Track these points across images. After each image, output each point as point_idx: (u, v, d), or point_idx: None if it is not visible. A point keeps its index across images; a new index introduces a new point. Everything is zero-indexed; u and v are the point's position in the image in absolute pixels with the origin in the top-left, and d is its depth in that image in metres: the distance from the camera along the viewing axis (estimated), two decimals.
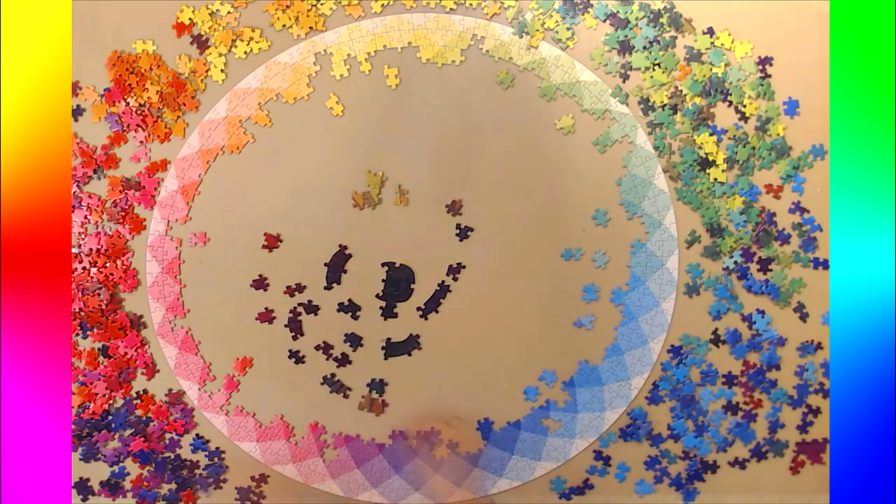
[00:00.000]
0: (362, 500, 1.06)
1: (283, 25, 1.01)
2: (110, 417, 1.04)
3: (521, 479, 1.06)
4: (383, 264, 1.03)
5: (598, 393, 1.05)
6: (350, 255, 1.02)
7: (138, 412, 1.04)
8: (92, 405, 1.03)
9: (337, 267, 1.02)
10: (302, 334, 1.04)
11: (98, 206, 1.02)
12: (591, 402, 1.05)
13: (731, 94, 1.02)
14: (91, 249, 1.01)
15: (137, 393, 1.04)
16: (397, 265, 1.03)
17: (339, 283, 1.03)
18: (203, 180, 1.02)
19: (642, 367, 1.04)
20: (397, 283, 1.03)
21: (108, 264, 1.02)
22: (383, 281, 1.03)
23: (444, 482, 1.04)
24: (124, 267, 1.02)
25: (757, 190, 1.03)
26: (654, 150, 1.02)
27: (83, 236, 1.02)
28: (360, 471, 1.06)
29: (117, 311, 1.02)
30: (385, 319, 1.04)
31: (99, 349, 1.03)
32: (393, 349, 1.04)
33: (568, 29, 1.01)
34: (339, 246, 1.03)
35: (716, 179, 1.02)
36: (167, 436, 1.04)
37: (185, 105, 1.01)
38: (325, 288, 1.03)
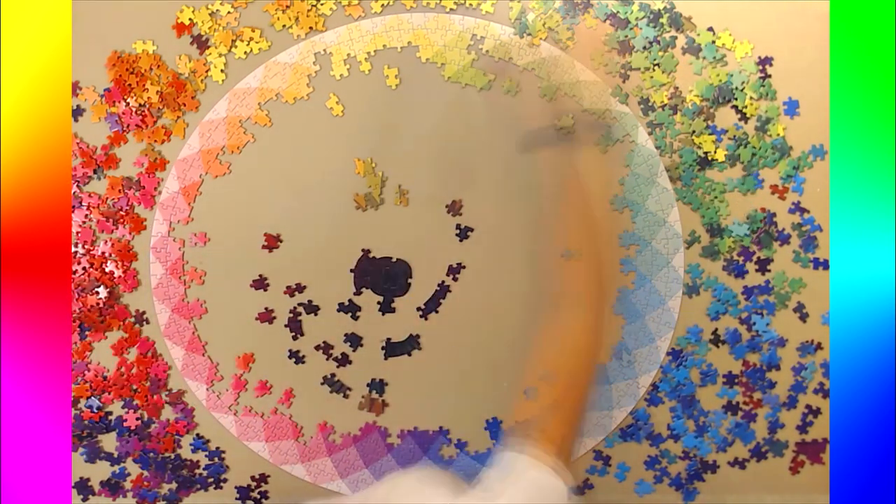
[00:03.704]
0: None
1: (283, 25, 1.01)
2: (111, 418, 1.04)
3: None
4: (380, 259, 1.03)
5: (606, 392, 1.05)
6: (374, 257, 1.02)
7: (142, 412, 1.04)
8: (87, 406, 1.03)
9: (364, 272, 1.02)
10: (302, 334, 1.04)
11: (98, 205, 1.02)
12: (598, 401, 1.05)
13: (736, 99, 1.01)
14: (96, 254, 1.02)
15: (146, 396, 1.04)
16: (394, 260, 1.03)
17: (367, 287, 1.03)
18: (204, 181, 1.02)
19: (650, 366, 1.04)
20: (394, 277, 1.03)
21: (109, 265, 1.02)
22: (380, 274, 1.03)
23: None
24: (125, 267, 1.02)
25: (759, 187, 1.03)
26: (656, 149, 1.02)
27: (87, 244, 1.02)
28: (368, 470, 1.06)
29: (115, 306, 1.03)
30: (383, 315, 1.03)
31: (93, 349, 1.03)
32: (393, 349, 1.04)
33: (568, 29, 1.01)
34: (362, 250, 1.02)
35: (714, 180, 1.02)
36: (167, 435, 1.05)
37: (184, 105, 1.01)
38: (355, 293, 1.03)
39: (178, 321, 1.03)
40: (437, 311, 1.04)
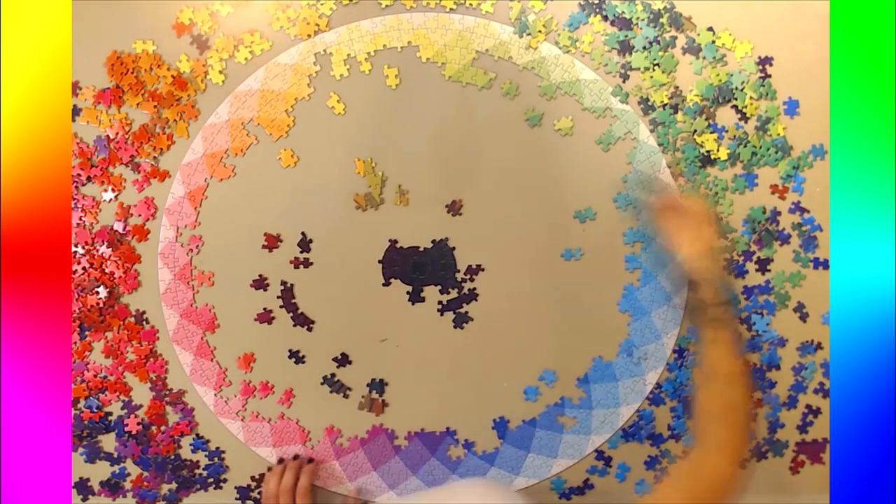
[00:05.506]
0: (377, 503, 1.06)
1: (281, 27, 1.01)
2: (111, 419, 1.04)
3: (537, 477, 1.05)
4: (408, 248, 1.03)
5: (613, 389, 1.05)
6: (401, 247, 1.02)
7: (140, 413, 1.04)
8: (87, 406, 1.03)
9: (392, 263, 1.02)
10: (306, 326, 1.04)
11: (94, 207, 1.02)
12: (605, 399, 1.05)
13: (736, 99, 1.01)
14: (96, 254, 1.02)
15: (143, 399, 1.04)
16: (421, 249, 1.03)
17: (396, 278, 1.03)
18: (209, 184, 1.02)
19: (656, 363, 1.04)
20: (422, 266, 1.02)
21: (108, 265, 1.02)
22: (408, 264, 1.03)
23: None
24: (125, 268, 1.02)
25: (755, 185, 1.03)
26: (658, 146, 1.02)
27: (87, 244, 1.01)
28: (376, 473, 1.05)
29: (115, 306, 1.03)
30: (413, 304, 1.03)
31: (92, 348, 1.03)
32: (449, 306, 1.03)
33: (569, 38, 1.01)
34: (389, 241, 1.02)
35: (717, 178, 1.02)
36: (168, 438, 1.05)
37: (184, 113, 1.01)
38: (384, 285, 1.03)
39: (187, 327, 1.03)
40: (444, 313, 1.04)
